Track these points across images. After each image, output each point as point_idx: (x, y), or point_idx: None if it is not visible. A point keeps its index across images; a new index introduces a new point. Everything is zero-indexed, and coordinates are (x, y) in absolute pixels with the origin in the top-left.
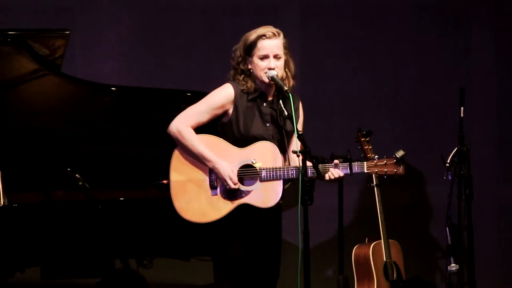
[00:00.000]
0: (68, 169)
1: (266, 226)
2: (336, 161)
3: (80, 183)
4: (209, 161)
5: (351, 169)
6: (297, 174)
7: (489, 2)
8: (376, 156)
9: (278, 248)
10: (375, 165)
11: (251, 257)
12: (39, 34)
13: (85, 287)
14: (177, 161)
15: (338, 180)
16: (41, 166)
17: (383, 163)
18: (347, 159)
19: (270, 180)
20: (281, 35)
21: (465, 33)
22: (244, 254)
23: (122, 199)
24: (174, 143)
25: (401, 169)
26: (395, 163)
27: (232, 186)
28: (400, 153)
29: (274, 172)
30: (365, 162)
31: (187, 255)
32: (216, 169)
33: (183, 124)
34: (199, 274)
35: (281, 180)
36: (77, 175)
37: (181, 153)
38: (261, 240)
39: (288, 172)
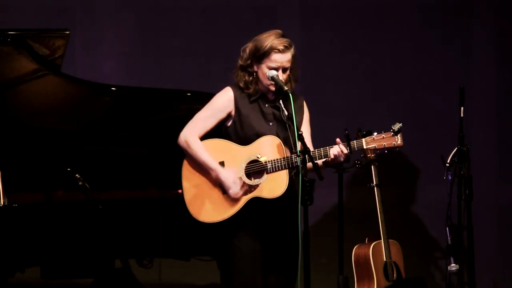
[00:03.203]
0: (68, 169)
1: (283, 222)
2: (337, 139)
3: (80, 183)
4: (212, 170)
5: (350, 147)
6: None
7: (490, 2)
8: (375, 132)
9: (296, 243)
10: (373, 140)
11: (268, 254)
12: (39, 34)
13: (85, 287)
14: (187, 169)
15: (343, 158)
16: (41, 166)
17: (381, 137)
18: (346, 138)
19: (275, 171)
20: (292, 47)
21: (465, 33)
22: (255, 254)
23: (122, 199)
24: (174, 143)
25: (399, 141)
26: (393, 135)
27: (233, 195)
28: (397, 126)
29: (278, 162)
30: (363, 139)
31: (187, 255)
32: (219, 179)
33: (191, 134)
34: (199, 274)
35: (286, 169)
36: (77, 175)
37: (190, 162)
38: (278, 235)
39: (291, 160)
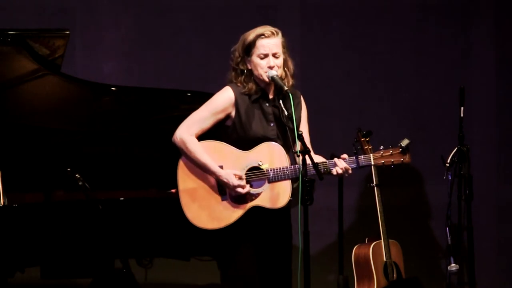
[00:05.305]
0: (68, 169)
1: (276, 228)
2: (343, 155)
3: (80, 183)
4: (212, 172)
5: (358, 163)
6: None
7: (490, 2)
8: (382, 146)
9: (289, 249)
10: (381, 156)
11: (263, 260)
12: (39, 34)
13: (85, 287)
14: (183, 169)
15: (346, 173)
16: (41, 166)
17: (389, 153)
18: (353, 153)
19: (278, 180)
20: (279, 34)
21: (465, 33)
22: (255, 256)
23: (122, 199)
24: (174, 144)
25: (407, 158)
26: (401, 152)
27: (242, 192)
28: (405, 142)
29: (282, 172)
30: (371, 155)
31: (187, 255)
32: (221, 180)
33: (186, 133)
34: (199, 274)
35: (290, 180)
36: (77, 175)
37: (186, 162)
38: (273, 242)
39: (295, 171)
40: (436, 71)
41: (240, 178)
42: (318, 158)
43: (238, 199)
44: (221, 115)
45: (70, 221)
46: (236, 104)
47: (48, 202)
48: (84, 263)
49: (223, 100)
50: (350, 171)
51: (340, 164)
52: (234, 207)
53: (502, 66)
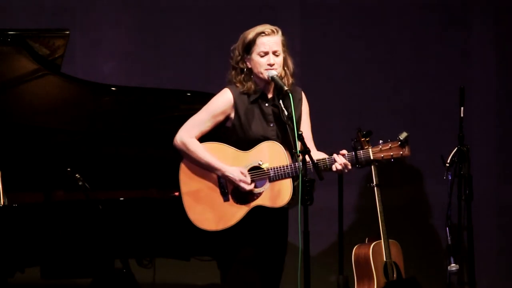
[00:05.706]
0: (68, 169)
1: (274, 228)
2: (342, 151)
3: (80, 183)
4: (217, 169)
5: (357, 158)
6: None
7: (490, 2)
8: (381, 141)
9: (284, 250)
10: (380, 151)
11: (261, 259)
12: (39, 34)
13: (85, 287)
14: (185, 173)
15: (345, 169)
16: (41, 166)
17: (388, 147)
18: (353, 149)
19: (279, 179)
20: (279, 32)
21: (465, 33)
22: (255, 256)
23: (122, 199)
24: (175, 147)
25: (406, 151)
26: (400, 145)
27: (247, 188)
28: (403, 135)
29: (282, 170)
30: (370, 149)
31: (187, 255)
32: (226, 176)
33: (187, 136)
34: (199, 274)
35: (290, 178)
36: (77, 175)
37: (188, 165)
38: (269, 242)
39: (296, 169)
40: (436, 71)
41: (245, 175)
42: (319, 155)
43: (240, 199)
44: (221, 118)
45: (70, 221)
46: (235, 106)
47: (48, 202)
48: (84, 263)
49: (222, 102)
50: (349, 167)
51: (339, 160)
52: (236, 208)
53: (502, 66)
